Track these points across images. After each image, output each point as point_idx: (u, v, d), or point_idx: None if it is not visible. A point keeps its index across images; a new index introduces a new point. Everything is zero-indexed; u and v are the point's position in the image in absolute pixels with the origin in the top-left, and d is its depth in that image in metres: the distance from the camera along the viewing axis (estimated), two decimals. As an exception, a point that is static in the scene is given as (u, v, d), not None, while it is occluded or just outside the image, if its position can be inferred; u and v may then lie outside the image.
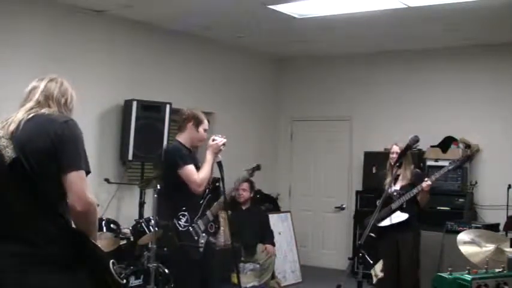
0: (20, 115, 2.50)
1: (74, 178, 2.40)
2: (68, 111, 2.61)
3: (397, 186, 5.60)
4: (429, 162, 7.26)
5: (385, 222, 5.57)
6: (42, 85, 2.59)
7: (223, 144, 4.41)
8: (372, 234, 5.56)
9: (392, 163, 5.54)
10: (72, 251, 2.40)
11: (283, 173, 9.18)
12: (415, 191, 5.43)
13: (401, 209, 5.52)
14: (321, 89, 8.90)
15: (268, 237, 7.11)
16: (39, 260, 2.37)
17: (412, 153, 5.79)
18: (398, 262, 5.63)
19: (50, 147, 2.40)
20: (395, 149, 5.61)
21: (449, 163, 5.71)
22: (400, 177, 5.61)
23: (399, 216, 5.53)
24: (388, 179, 5.55)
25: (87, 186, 2.43)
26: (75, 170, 2.40)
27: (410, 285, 5.60)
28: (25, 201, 2.40)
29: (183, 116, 4.55)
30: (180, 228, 4.30)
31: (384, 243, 5.64)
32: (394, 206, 5.52)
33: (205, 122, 4.56)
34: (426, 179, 5.44)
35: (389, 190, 5.58)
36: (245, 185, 6.95)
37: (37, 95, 2.56)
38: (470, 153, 5.52)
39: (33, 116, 2.48)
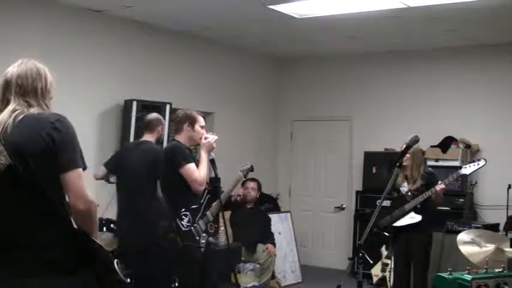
0: (4, 118, 2.39)
1: (72, 177, 2.36)
2: (48, 96, 2.50)
3: (410, 187, 5.60)
4: (429, 162, 7.25)
5: (400, 223, 5.59)
6: (13, 80, 2.46)
7: (215, 142, 4.48)
8: (386, 234, 5.63)
9: (404, 164, 5.56)
10: (73, 252, 2.38)
11: (283, 173, 9.18)
12: (428, 193, 5.43)
13: (415, 210, 5.53)
14: (321, 89, 8.90)
15: (269, 237, 7.12)
16: (40, 264, 2.34)
17: (422, 153, 5.78)
18: (409, 262, 5.66)
19: (45, 148, 2.34)
20: None
21: (464, 167, 5.68)
22: (409, 178, 5.60)
23: (413, 218, 5.53)
24: (400, 180, 5.62)
25: (85, 184, 2.39)
26: (72, 169, 2.37)
27: (420, 285, 5.61)
28: (23, 206, 2.37)
29: (177, 119, 4.59)
30: (183, 228, 4.30)
31: (396, 242, 5.68)
32: (408, 207, 5.53)
33: (200, 119, 4.58)
34: (440, 182, 5.43)
35: (402, 190, 5.62)
36: (253, 184, 7.04)
37: (13, 96, 2.44)
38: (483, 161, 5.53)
39: (22, 118, 2.39)
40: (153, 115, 5.23)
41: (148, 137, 5.09)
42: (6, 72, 2.50)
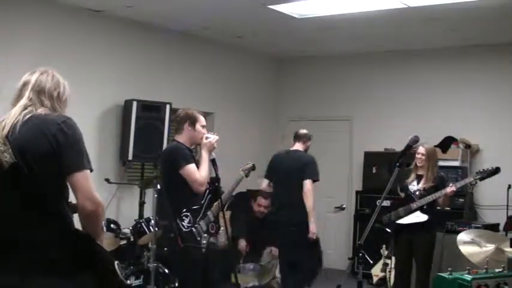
0: (14, 115, 2.43)
1: (80, 179, 2.36)
2: (62, 104, 2.55)
3: (420, 186, 5.61)
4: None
5: (404, 221, 5.59)
6: (33, 79, 2.52)
7: (216, 142, 4.46)
8: (388, 230, 5.64)
9: (419, 164, 5.58)
10: (73, 253, 2.38)
11: (283, 173, 9.17)
12: (438, 194, 5.43)
13: (421, 209, 5.54)
14: (321, 89, 8.90)
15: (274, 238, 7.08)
16: (40, 264, 2.34)
17: (436, 156, 5.80)
18: (411, 261, 5.67)
19: (49, 149, 2.35)
20: (421, 150, 5.61)
21: (477, 173, 5.69)
22: (423, 178, 5.61)
23: (419, 217, 5.53)
24: (410, 179, 5.64)
25: (93, 186, 2.40)
26: (79, 170, 2.37)
27: (420, 285, 5.61)
28: (25, 206, 2.37)
29: (177, 118, 4.57)
30: (184, 229, 4.30)
31: (399, 241, 5.69)
32: (414, 206, 5.53)
33: (201, 118, 4.56)
34: (451, 184, 5.43)
35: (410, 189, 5.64)
36: (267, 203, 6.76)
37: (28, 91, 2.49)
38: (496, 167, 5.55)
39: (29, 118, 2.41)
40: (305, 131, 6.22)
41: (299, 147, 6.11)
42: (25, 76, 2.56)
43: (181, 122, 4.52)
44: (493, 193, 7.15)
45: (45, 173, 2.36)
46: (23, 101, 2.47)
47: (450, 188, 5.38)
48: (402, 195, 5.72)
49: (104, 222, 5.67)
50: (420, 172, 5.65)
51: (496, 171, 5.49)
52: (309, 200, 5.85)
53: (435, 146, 7.41)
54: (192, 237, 4.32)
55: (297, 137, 6.18)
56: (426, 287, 5.56)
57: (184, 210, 4.34)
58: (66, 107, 2.59)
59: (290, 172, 5.90)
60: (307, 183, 5.88)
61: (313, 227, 5.91)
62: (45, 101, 2.48)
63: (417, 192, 5.58)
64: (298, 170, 5.88)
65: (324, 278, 7.72)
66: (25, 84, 2.52)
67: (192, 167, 4.35)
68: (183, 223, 4.30)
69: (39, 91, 2.49)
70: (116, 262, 2.46)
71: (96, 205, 2.38)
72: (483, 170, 5.64)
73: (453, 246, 4.90)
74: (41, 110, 2.45)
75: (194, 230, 4.36)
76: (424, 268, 5.60)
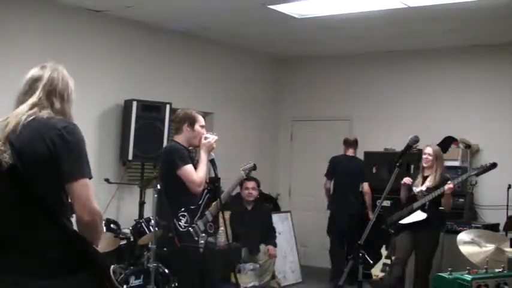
0: (18, 115, 2.39)
1: (78, 188, 2.32)
2: (69, 103, 2.51)
3: (424, 187, 5.62)
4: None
5: (406, 220, 5.61)
6: (45, 76, 2.47)
7: (215, 142, 4.46)
8: (391, 231, 5.68)
9: (425, 165, 5.59)
10: (71, 255, 2.36)
11: (283, 173, 9.18)
12: (437, 192, 5.45)
13: (422, 209, 5.55)
14: (321, 89, 8.90)
15: (270, 237, 7.10)
16: (39, 265, 2.34)
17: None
18: (407, 260, 5.68)
19: (46, 154, 2.32)
20: (429, 150, 5.61)
21: (473, 169, 5.71)
22: (428, 179, 5.62)
23: (419, 216, 5.55)
24: (417, 180, 5.68)
25: (92, 194, 2.35)
26: (77, 179, 2.33)
27: (421, 284, 5.62)
28: (23, 207, 2.36)
29: (176, 119, 4.58)
30: (181, 229, 4.29)
31: (400, 239, 5.71)
32: (416, 205, 5.56)
33: (200, 118, 4.56)
34: (449, 181, 5.44)
35: (414, 190, 5.66)
36: (253, 184, 6.96)
37: (39, 90, 2.44)
38: (492, 163, 5.57)
39: (32, 120, 2.38)
40: (353, 137, 7.56)
41: (352, 152, 7.51)
42: (35, 70, 2.52)
43: (181, 122, 4.52)
44: (493, 193, 7.15)
45: (42, 176, 2.34)
46: (32, 99, 2.42)
47: (448, 186, 5.39)
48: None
49: (103, 222, 5.67)
50: (427, 173, 5.65)
51: (493, 166, 5.50)
52: (369, 197, 7.33)
53: (435, 146, 7.45)
54: (189, 237, 4.31)
55: (350, 144, 7.48)
56: (426, 285, 5.57)
57: (182, 210, 4.33)
58: (71, 105, 2.54)
59: (350, 175, 7.37)
60: (366, 185, 7.37)
61: (371, 214, 7.13)
62: (56, 102, 2.45)
63: (420, 193, 5.60)
64: (357, 173, 7.40)
65: (324, 278, 7.74)
66: (36, 80, 2.47)
67: (189, 167, 4.34)
68: (179, 223, 4.30)
69: (51, 91, 2.45)
70: (112, 266, 2.46)
71: (93, 215, 2.34)
72: (480, 166, 5.66)
73: (453, 246, 4.91)
74: (44, 112, 2.41)
75: (191, 229, 4.35)
76: (423, 266, 5.61)
